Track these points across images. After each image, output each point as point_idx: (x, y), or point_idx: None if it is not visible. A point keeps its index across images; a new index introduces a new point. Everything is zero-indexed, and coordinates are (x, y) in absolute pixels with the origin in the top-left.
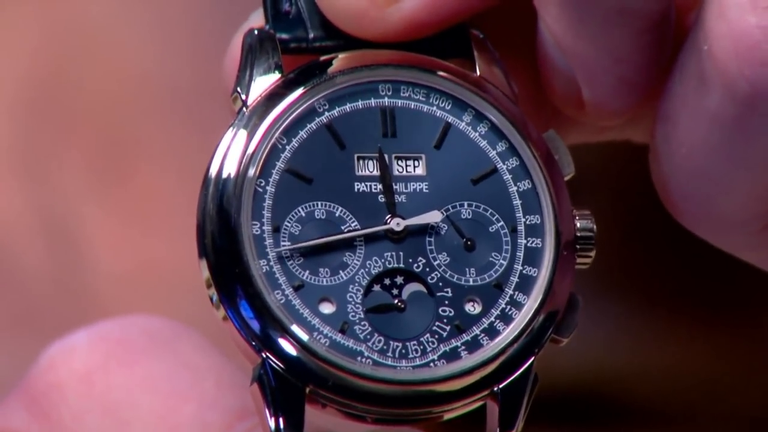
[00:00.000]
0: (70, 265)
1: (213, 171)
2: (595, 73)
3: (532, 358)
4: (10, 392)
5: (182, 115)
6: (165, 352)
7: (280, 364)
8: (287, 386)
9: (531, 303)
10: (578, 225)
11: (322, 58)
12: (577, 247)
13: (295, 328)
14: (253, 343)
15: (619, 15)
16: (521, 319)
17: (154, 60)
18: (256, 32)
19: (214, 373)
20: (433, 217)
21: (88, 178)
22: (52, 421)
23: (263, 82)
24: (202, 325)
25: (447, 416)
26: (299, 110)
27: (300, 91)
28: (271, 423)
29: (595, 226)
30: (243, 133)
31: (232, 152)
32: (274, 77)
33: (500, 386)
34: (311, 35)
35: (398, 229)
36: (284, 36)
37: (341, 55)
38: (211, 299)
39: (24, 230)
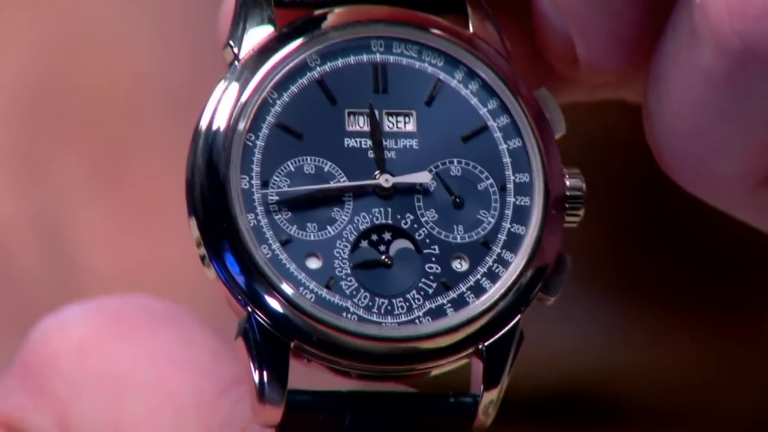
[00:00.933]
0: (65, 265)
1: (203, 124)
2: (589, 28)
3: (518, 316)
4: (5, 370)
5: (178, 117)
6: (163, 327)
7: (265, 319)
8: (272, 341)
9: (518, 261)
10: (568, 183)
11: (316, 12)
12: (566, 205)
13: (281, 284)
14: (239, 298)
15: None
16: (508, 277)
17: (150, 62)
18: None
19: (209, 347)
20: (422, 177)
21: (84, 179)
22: (47, 393)
23: (256, 36)
24: None
25: (433, 373)
26: (291, 65)
27: (292, 45)
28: (256, 376)
29: (584, 185)
30: (234, 87)
31: (222, 106)
32: (267, 30)
33: (485, 344)
34: None
35: (386, 185)
36: None
37: (336, 10)
38: (202, 259)
39: (19, 231)
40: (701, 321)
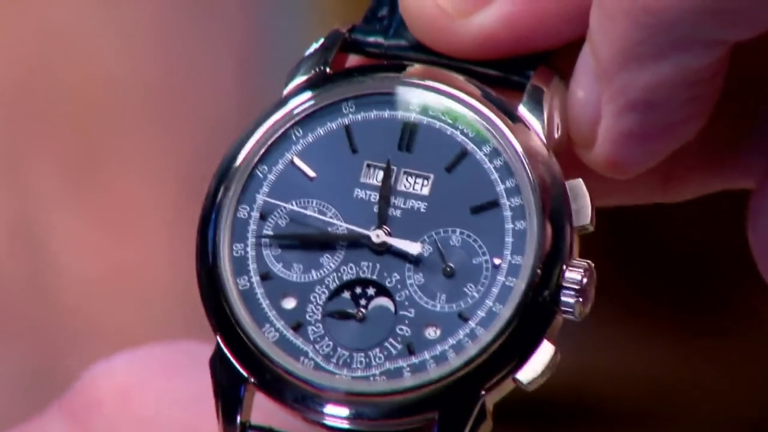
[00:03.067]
0: (40, 267)
1: (228, 151)
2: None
3: (482, 393)
4: (51, 404)
5: (152, 119)
6: (201, 373)
7: (226, 349)
8: (230, 372)
9: (486, 337)
10: (566, 275)
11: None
12: (561, 298)
13: (244, 317)
14: (212, 323)
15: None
16: (471, 349)
17: (126, 64)
18: (332, 32)
19: None
20: (413, 247)
21: (59, 182)
22: None
23: (304, 76)
24: (169, 327)
25: None
26: (322, 105)
27: (330, 87)
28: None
29: (585, 279)
30: (264, 118)
31: (244, 136)
32: (314, 72)
33: (439, 414)
34: (387, 43)
35: (376, 240)
36: (360, 38)
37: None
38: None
39: None
40: (677, 325)
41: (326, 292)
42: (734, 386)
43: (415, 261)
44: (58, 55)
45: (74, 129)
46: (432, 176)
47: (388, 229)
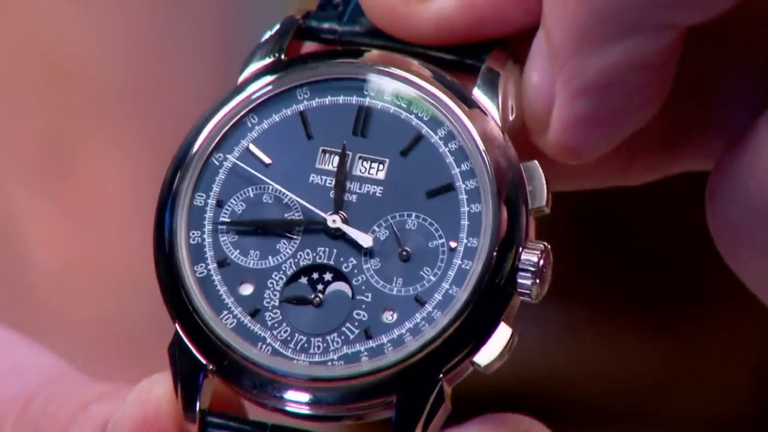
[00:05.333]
0: (8, 258)
1: (184, 139)
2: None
3: (440, 376)
4: None
5: (123, 112)
6: None
7: (184, 336)
8: (189, 359)
9: (443, 320)
10: (522, 257)
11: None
12: (518, 279)
13: (201, 304)
14: (171, 312)
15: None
16: (428, 332)
17: (96, 56)
18: (286, 19)
19: (43, 367)
20: (364, 239)
21: (27, 172)
22: None
23: (260, 64)
24: (137, 317)
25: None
26: (277, 92)
27: (284, 74)
28: (177, 391)
29: (540, 261)
30: (218, 106)
31: (200, 123)
32: (270, 59)
33: (396, 397)
34: (341, 29)
35: (332, 225)
36: (314, 24)
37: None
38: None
39: None
40: (648, 321)
41: (283, 277)
42: (716, 380)
43: (374, 241)
44: (32, 48)
45: (44, 120)
46: (387, 161)
47: (344, 215)
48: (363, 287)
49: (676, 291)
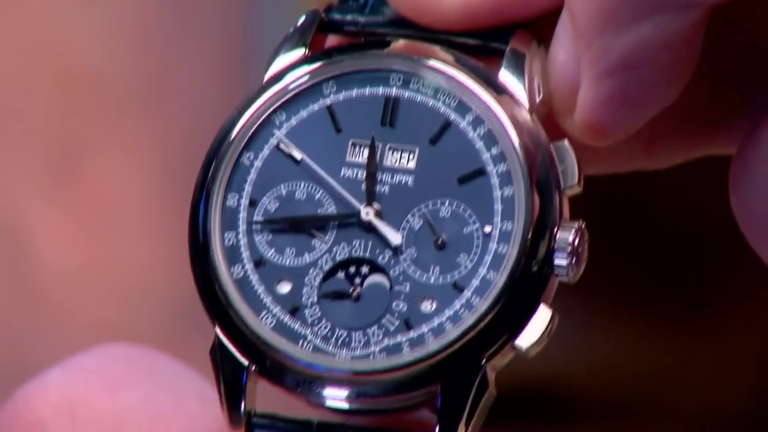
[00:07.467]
0: (18, 261)
1: (213, 140)
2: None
3: (482, 362)
4: None
5: (131, 114)
6: (144, 378)
7: (225, 338)
8: (231, 361)
9: (481, 305)
10: (557, 236)
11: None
12: (554, 260)
13: (240, 306)
14: (209, 315)
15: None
16: (468, 319)
17: (105, 58)
18: (309, 13)
19: (192, 391)
20: (394, 237)
21: (38, 175)
22: None
23: (286, 59)
24: (148, 320)
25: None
26: (304, 88)
27: (311, 68)
28: (221, 395)
29: (575, 238)
30: (245, 105)
31: (228, 124)
32: (299, 53)
33: (440, 386)
34: (364, 20)
35: (365, 217)
36: (337, 17)
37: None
38: None
39: None
40: (648, 318)
41: (320, 273)
42: (718, 378)
43: (409, 231)
44: (40, 49)
45: (54, 125)
46: (417, 149)
47: (378, 206)
48: (400, 278)
49: (685, 286)
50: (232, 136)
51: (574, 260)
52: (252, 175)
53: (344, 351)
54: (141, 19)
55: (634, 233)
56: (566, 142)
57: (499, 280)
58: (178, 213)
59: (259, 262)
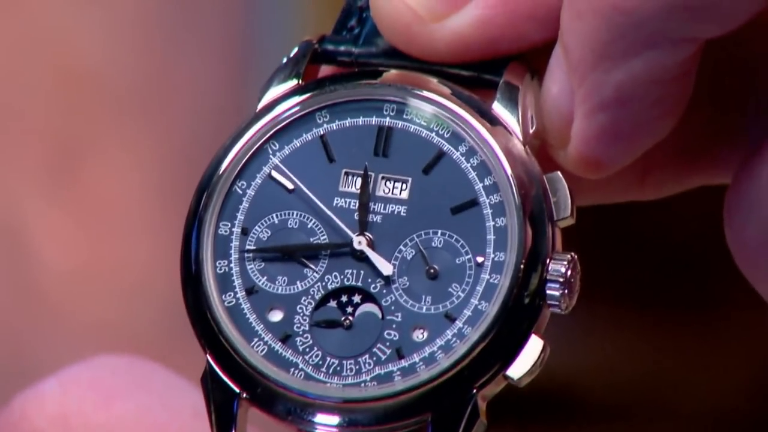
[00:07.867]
0: (17, 262)
1: (206, 168)
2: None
3: (473, 392)
4: None
5: (131, 115)
6: (138, 390)
7: (216, 366)
8: (222, 388)
9: (473, 335)
10: (550, 268)
11: (342, 71)
12: (546, 291)
13: (232, 333)
14: (201, 342)
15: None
16: (460, 348)
17: (105, 58)
18: (303, 43)
19: (190, 404)
20: (385, 267)
21: (38, 175)
22: None
23: (279, 89)
24: (148, 321)
25: None
26: (296, 117)
27: (303, 98)
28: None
29: (568, 271)
30: (239, 134)
31: (221, 152)
32: (291, 84)
33: (432, 416)
34: (357, 50)
35: (358, 247)
36: (330, 48)
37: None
38: None
39: None
40: (648, 320)
41: (312, 302)
42: (718, 380)
43: (401, 261)
44: (40, 49)
45: (54, 125)
46: (410, 179)
47: (370, 236)
48: (392, 307)
49: (687, 291)
50: (225, 165)
51: (566, 291)
52: (244, 204)
53: (335, 379)
54: (141, 19)
55: (634, 237)
56: (559, 173)
57: (491, 310)
58: (178, 213)
59: (251, 290)
